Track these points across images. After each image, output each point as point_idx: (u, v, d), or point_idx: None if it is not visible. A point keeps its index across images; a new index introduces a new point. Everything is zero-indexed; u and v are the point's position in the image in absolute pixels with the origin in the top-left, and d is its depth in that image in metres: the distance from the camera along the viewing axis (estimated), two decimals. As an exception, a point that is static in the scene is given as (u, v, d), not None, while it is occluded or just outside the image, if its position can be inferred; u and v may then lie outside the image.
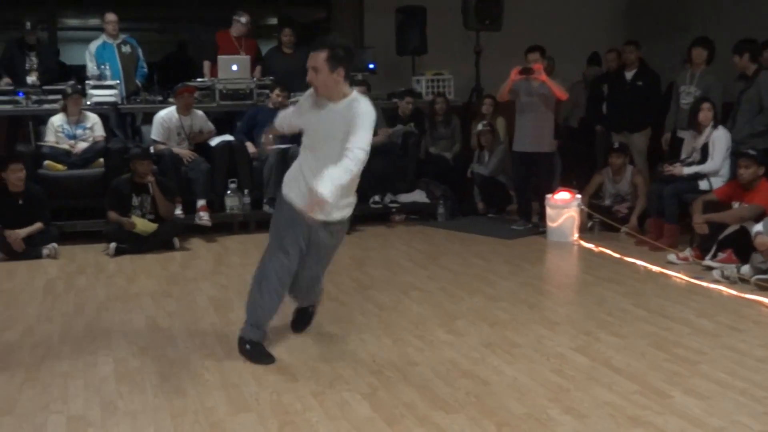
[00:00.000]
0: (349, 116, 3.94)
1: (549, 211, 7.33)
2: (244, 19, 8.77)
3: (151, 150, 7.48)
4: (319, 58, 3.94)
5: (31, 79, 8.01)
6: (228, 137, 7.91)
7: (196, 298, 5.50)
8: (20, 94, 7.74)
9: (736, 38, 7.21)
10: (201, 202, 7.42)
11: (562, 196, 7.32)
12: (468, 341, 4.52)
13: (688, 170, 6.81)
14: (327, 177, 3.73)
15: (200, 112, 7.85)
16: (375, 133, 4.19)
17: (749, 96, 6.87)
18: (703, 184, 6.69)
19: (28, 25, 8.09)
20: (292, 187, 4.17)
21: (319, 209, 3.90)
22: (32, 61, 8.17)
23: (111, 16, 8.37)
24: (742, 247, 5.85)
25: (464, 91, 9.68)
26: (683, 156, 7.01)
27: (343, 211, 4.24)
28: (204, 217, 7.36)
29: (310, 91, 4.14)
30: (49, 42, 10.10)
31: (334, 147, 3.93)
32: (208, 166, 7.57)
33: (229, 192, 7.66)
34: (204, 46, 8.73)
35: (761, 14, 9.04)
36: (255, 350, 4.25)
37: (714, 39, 7.55)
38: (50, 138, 7.48)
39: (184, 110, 7.60)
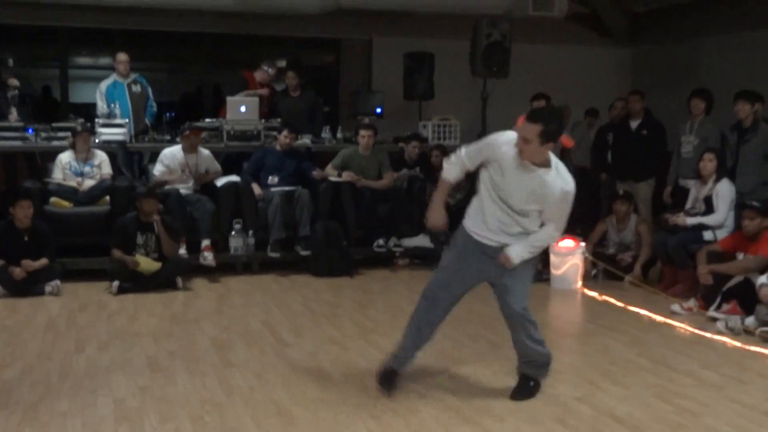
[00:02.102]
0: (554, 191, 4.03)
1: (553, 258, 7.32)
2: (272, 71, 8.95)
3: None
4: (532, 131, 3.92)
5: (13, 115, 7.92)
6: (234, 178, 7.96)
7: (198, 338, 5.48)
8: (30, 130, 7.81)
9: (738, 89, 7.30)
10: (205, 242, 7.44)
11: (567, 243, 7.31)
12: (470, 388, 4.49)
13: (691, 221, 6.82)
14: (521, 248, 4.13)
15: (207, 152, 7.91)
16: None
17: (753, 146, 6.93)
18: (707, 235, 6.70)
19: (11, 62, 8.06)
20: (476, 221, 4.25)
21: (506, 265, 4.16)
22: (14, 96, 8.07)
23: (122, 56, 8.48)
24: (746, 298, 5.83)
25: (471, 137, 9.71)
26: (688, 206, 7.02)
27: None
28: (208, 257, 7.37)
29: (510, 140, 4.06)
30: (61, 78, 10.25)
31: (526, 207, 4.09)
32: (214, 206, 7.60)
33: (233, 233, 7.68)
34: (233, 86, 8.83)
35: (762, 67, 9.13)
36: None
37: (717, 90, 7.62)
38: (57, 175, 7.52)
39: (189, 150, 7.67)
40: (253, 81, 9.01)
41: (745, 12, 9.48)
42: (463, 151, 4.28)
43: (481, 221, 4.22)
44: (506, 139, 4.08)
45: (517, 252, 4.15)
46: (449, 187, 4.42)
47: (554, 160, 4.11)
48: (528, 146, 3.96)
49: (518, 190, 4.06)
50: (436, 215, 4.33)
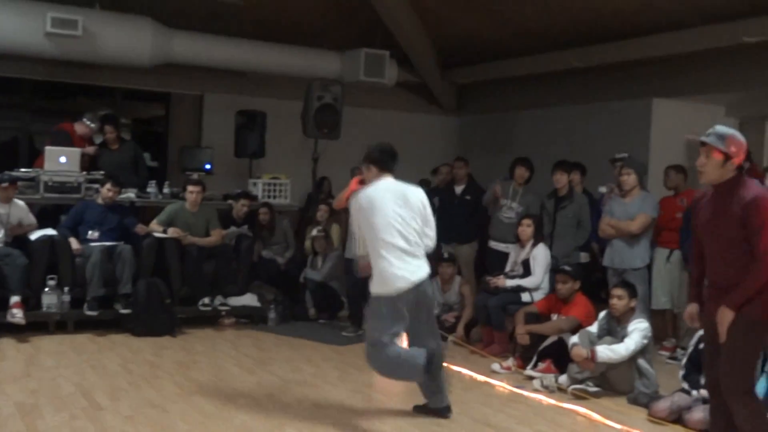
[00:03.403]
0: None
1: (380, 318, 7.38)
2: (93, 125, 8.62)
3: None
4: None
5: None
6: (50, 231, 7.53)
7: (0, 403, 5.05)
8: None
9: (550, 159, 7.79)
10: (15, 299, 6.93)
11: (393, 303, 7.40)
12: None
13: (510, 282, 7.12)
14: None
15: (21, 203, 7.44)
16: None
17: (569, 213, 7.37)
18: (525, 296, 7.00)
19: None
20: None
21: None
22: None
23: (-71, 99, 7.90)
24: (560, 357, 6.12)
25: (301, 196, 9.77)
26: (507, 268, 7.33)
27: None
28: (17, 315, 6.87)
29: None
30: None
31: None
32: (26, 260, 7.13)
33: (47, 289, 7.22)
34: (56, 141, 8.35)
35: (570, 138, 9.82)
36: None
37: (532, 159, 8.09)
38: None
39: (2, 200, 7.20)
40: (75, 135, 8.63)
41: (557, 89, 10.20)
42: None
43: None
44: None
45: None
46: None
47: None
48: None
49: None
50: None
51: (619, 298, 5.97)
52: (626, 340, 5.78)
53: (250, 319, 8.14)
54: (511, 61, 10.08)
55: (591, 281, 7.50)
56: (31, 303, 7.17)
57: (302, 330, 7.94)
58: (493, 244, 7.96)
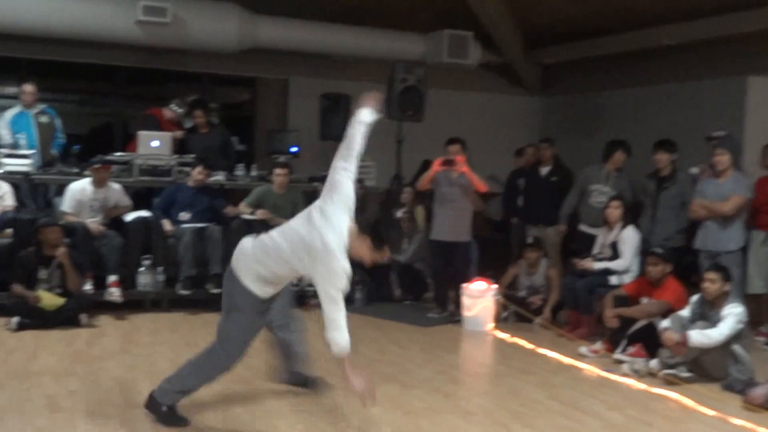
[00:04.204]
0: None
1: (465, 300, 7.39)
2: (180, 110, 8.87)
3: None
4: None
5: None
6: (144, 213, 7.78)
7: (101, 377, 5.28)
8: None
9: (640, 139, 7.56)
10: (112, 278, 7.22)
11: (479, 285, 7.39)
12: (381, 430, 4.45)
13: (598, 265, 7.01)
14: None
15: (117, 186, 7.71)
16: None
17: (672, 194, 7.15)
18: (613, 279, 6.88)
19: None
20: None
21: None
22: None
23: (28, 87, 8.21)
24: (650, 341, 6.00)
25: (385, 179, 9.80)
26: (595, 251, 7.21)
27: None
28: (115, 293, 7.15)
29: None
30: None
31: None
32: (122, 241, 7.40)
33: (142, 269, 7.48)
34: (146, 126, 8.61)
35: (664, 118, 9.55)
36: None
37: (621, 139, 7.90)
38: (-44, 206, 7.20)
39: (98, 184, 7.47)
40: (163, 119, 8.88)
41: (646, 68, 9.95)
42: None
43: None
44: None
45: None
46: None
47: None
48: None
49: None
50: None
51: (711, 282, 5.80)
52: (720, 324, 5.62)
53: (335, 300, 8.22)
54: (598, 40, 9.87)
55: (682, 264, 7.30)
56: (127, 282, 7.43)
57: (388, 311, 7.99)
58: (584, 228, 7.81)
